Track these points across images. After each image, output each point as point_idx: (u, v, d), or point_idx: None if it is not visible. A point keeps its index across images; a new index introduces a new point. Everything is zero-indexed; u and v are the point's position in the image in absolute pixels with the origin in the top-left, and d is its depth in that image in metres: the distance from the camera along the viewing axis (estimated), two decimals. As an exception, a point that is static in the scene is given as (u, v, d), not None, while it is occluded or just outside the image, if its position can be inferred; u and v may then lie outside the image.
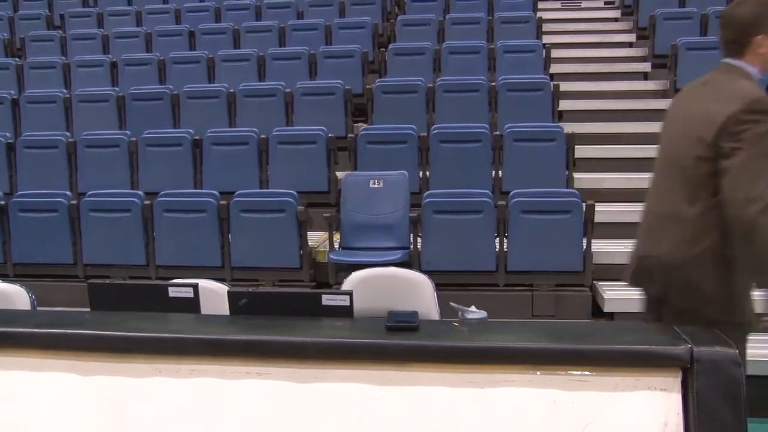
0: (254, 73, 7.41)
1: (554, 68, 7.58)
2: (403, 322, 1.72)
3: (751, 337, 4.33)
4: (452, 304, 2.67)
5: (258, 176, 5.97)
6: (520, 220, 4.77)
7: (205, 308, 2.01)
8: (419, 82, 6.61)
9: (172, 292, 1.99)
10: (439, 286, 2.82)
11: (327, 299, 1.88)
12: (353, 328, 1.82)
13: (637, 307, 4.58)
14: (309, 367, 1.66)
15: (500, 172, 5.74)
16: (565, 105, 6.96)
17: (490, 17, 8.14)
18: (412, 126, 5.96)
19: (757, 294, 2.31)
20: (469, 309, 2.44)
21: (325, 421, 1.62)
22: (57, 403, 1.71)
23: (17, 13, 9.42)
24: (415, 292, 2.69)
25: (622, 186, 5.95)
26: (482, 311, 2.43)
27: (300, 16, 8.57)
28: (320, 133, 5.94)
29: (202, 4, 9.10)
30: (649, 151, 6.31)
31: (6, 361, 1.76)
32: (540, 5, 8.99)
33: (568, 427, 1.55)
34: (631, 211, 5.54)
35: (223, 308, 1.95)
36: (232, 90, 6.77)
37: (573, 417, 1.55)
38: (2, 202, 5.35)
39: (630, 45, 8.45)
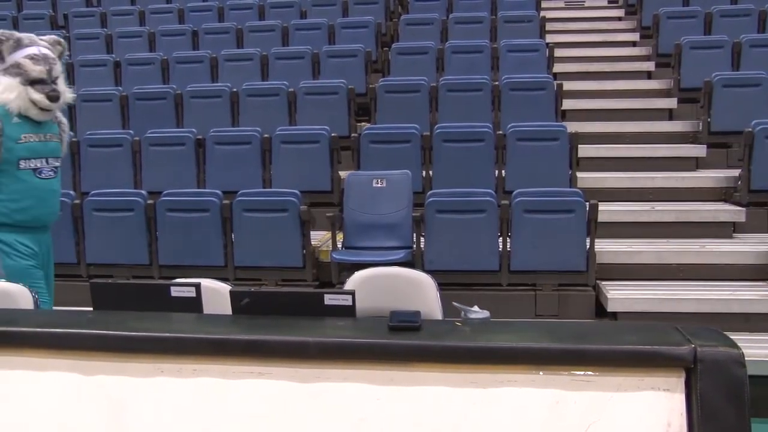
0: (257, 72, 7.42)
1: (557, 67, 7.58)
2: (406, 322, 1.72)
3: (755, 337, 4.33)
4: (455, 303, 2.67)
5: (261, 176, 5.98)
6: (523, 219, 4.76)
7: (208, 308, 2.01)
8: (422, 82, 6.61)
9: (175, 291, 1.99)
10: (442, 286, 2.81)
11: (329, 299, 1.88)
12: (355, 327, 1.82)
13: (640, 307, 4.61)
14: (311, 367, 1.66)
15: (503, 171, 5.74)
16: (568, 104, 6.95)
17: (494, 16, 8.14)
18: (415, 125, 5.96)
19: None
20: (472, 309, 2.44)
21: (326, 421, 1.62)
22: (58, 403, 1.71)
23: (21, 12, 9.44)
24: (418, 291, 2.68)
25: (626, 185, 5.95)
26: (485, 311, 2.43)
27: (303, 15, 8.58)
28: (323, 132, 5.95)
29: (205, 3, 9.11)
30: (653, 150, 6.35)
31: (8, 361, 1.76)
32: (543, 4, 8.99)
33: (570, 427, 1.54)
34: (634, 211, 5.55)
35: (226, 308, 1.95)
36: (235, 89, 6.78)
37: (576, 417, 1.55)
38: (6, 202, 5.35)
39: (633, 44, 8.45)
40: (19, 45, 3.37)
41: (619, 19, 9.19)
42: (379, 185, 5.21)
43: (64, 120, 3.71)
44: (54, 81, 3.43)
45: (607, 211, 5.20)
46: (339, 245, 5.06)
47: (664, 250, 5.10)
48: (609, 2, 9.64)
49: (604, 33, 8.73)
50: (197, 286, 2.00)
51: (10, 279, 3.30)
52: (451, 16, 8.10)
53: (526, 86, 6.50)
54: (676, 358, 1.54)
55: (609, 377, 1.56)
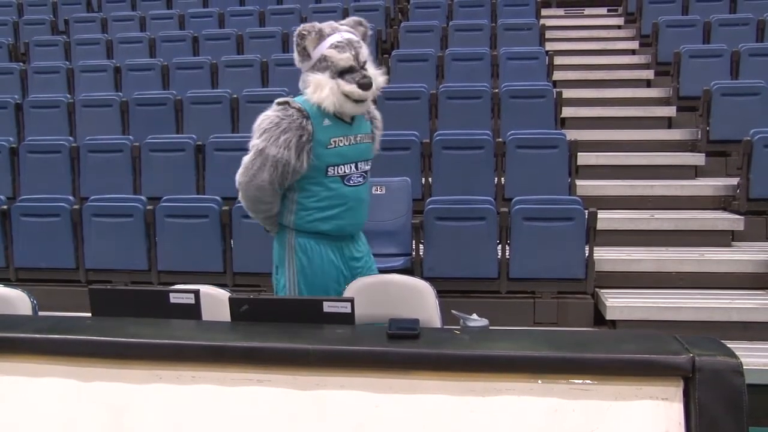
0: (257, 78, 7.43)
1: (557, 75, 7.59)
2: (404, 330, 1.72)
3: (754, 345, 4.33)
4: (454, 311, 2.67)
5: (260, 182, 5.96)
6: (523, 227, 4.76)
7: (206, 314, 2.01)
8: (422, 89, 6.62)
9: (173, 298, 1.99)
10: (441, 293, 2.81)
11: (328, 306, 1.88)
12: (354, 335, 1.82)
13: (639, 315, 4.60)
14: (310, 374, 1.66)
15: (503, 178, 5.74)
16: (567, 112, 6.96)
17: (494, 24, 8.16)
18: (415, 132, 5.96)
19: None
20: (471, 317, 2.44)
21: (325, 428, 1.62)
22: (57, 409, 1.70)
23: (22, 18, 9.45)
24: (417, 299, 2.68)
25: (625, 193, 5.95)
26: (484, 319, 2.43)
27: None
28: (323, 138, 5.94)
29: (205, 9, 9.14)
30: (652, 158, 6.36)
31: (6, 367, 1.76)
32: (543, 12, 9.01)
33: (569, 436, 1.54)
34: (633, 219, 5.55)
35: (225, 314, 1.95)
36: (235, 95, 6.78)
37: (574, 426, 1.55)
38: (5, 207, 5.36)
39: (633, 52, 8.47)
40: (321, 36, 3.02)
41: (619, 27, 9.21)
42: (378, 192, 5.20)
43: (378, 115, 3.31)
44: (362, 66, 3.01)
45: (607, 218, 5.20)
46: (338, 252, 5.05)
47: (663, 258, 5.10)
48: (608, 10, 9.66)
49: (604, 41, 8.75)
50: (196, 293, 2.00)
51: (302, 283, 3.09)
52: (451, 23, 8.12)
53: (526, 94, 6.50)
54: (674, 368, 1.54)
55: (607, 386, 1.56)
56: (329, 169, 3.02)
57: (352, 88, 2.94)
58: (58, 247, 5.28)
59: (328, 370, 1.66)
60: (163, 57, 7.95)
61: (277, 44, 7.99)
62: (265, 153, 2.97)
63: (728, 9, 8.22)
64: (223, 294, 2.36)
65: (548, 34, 8.26)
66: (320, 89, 2.95)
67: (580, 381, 1.57)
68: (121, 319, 1.91)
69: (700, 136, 6.54)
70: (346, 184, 3.06)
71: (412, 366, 1.64)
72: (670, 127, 7.06)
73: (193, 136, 6.25)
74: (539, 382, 1.58)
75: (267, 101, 6.98)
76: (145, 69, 7.67)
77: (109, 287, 2.84)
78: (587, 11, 9.65)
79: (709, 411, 1.50)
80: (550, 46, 8.02)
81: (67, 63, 8.08)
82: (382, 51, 7.99)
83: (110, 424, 1.68)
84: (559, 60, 7.68)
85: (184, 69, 7.58)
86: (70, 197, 5.54)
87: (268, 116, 3.02)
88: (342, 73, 2.96)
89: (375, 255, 5.03)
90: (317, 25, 3.05)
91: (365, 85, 2.96)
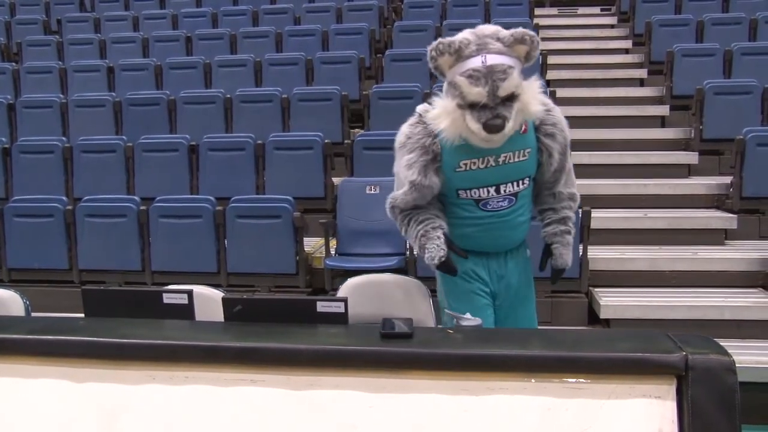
0: (251, 78, 7.42)
1: (551, 74, 7.60)
2: (398, 329, 1.72)
3: (747, 343, 4.33)
4: (447, 311, 2.67)
5: (254, 182, 5.97)
6: (516, 226, 4.76)
7: (200, 314, 2.01)
8: (416, 88, 6.61)
9: (167, 298, 1.99)
10: (434, 293, 2.81)
11: (322, 306, 1.88)
12: (348, 335, 1.82)
13: (632, 314, 4.61)
14: (303, 374, 1.66)
15: (497, 178, 5.74)
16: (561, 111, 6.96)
17: (487, 23, 8.15)
18: (409, 132, 5.95)
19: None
20: (464, 316, 2.44)
21: (318, 429, 1.61)
22: (50, 410, 1.70)
23: (14, 17, 9.42)
24: (411, 298, 2.68)
25: (619, 192, 5.96)
26: (477, 318, 2.44)
27: (297, 21, 8.59)
28: (317, 138, 5.94)
29: (199, 9, 9.12)
30: (645, 157, 6.36)
31: (-2, 368, 1.75)
32: (536, 12, 9.02)
33: (562, 434, 1.55)
34: (627, 218, 5.56)
35: (218, 314, 1.95)
36: (228, 95, 6.77)
37: (568, 425, 1.55)
38: (-3, 207, 5.34)
39: (626, 51, 8.48)
40: (459, 56, 2.57)
41: (612, 26, 9.23)
42: (372, 192, 5.21)
43: (556, 118, 2.76)
44: (501, 103, 2.46)
45: (600, 217, 5.21)
46: (332, 252, 5.06)
47: (657, 256, 5.11)
48: (602, 10, 9.68)
49: (597, 40, 8.77)
50: (190, 293, 1.99)
51: (450, 299, 2.77)
52: (444, 22, 8.12)
53: (520, 93, 6.49)
54: (667, 366, 1.54)
55: (601, 384, 1.57)
56: (460, 192, 2.63)
57: (477, 128, 2.46)
58: (51, 248, 5.27)
59: (322, 370, 1.66)
60: (156, 57, 7.93)
61: (270, 44, 7.99)
62: (395, 172, 2.69)
63: (721, 8, 8.25)
64: (217, 294, 2.36)
65: (542, 33, 8.27)
66: (442, 119, 2.53)
67: (574, 380, 1.57)
68: (115, 319, 1.90)
69: (693, 135, 6.56)
70: (482, 209, 2.64)
71: (405, 366, 1.64)
72: (663, 126, 7.08)
73: (187, 136, 6.24)
74: (533, 381, 1.58)
75: (260, 101, 7.05)
76: (138, 69, 7.65)
77: (102, 288, 2.83)
78: (580, 10, 9.66)
79: (702, 409, 1.50)
80: (543, 46, 8.01)
81: (60, 63, 8.06)
82: (376, 50, 7.99)
83: (103, 425, 1.67)
84: (552, 59, 7.69)
85: (178, 69, 7.57)
86: (63, 198, 5.52)
87: (401, 132, 2.67)
88: (472, 106, 2.47)
89: (369, 255, 5.06)
90: (458, 40, 2.62)
91: (493, 127, 2.44)
